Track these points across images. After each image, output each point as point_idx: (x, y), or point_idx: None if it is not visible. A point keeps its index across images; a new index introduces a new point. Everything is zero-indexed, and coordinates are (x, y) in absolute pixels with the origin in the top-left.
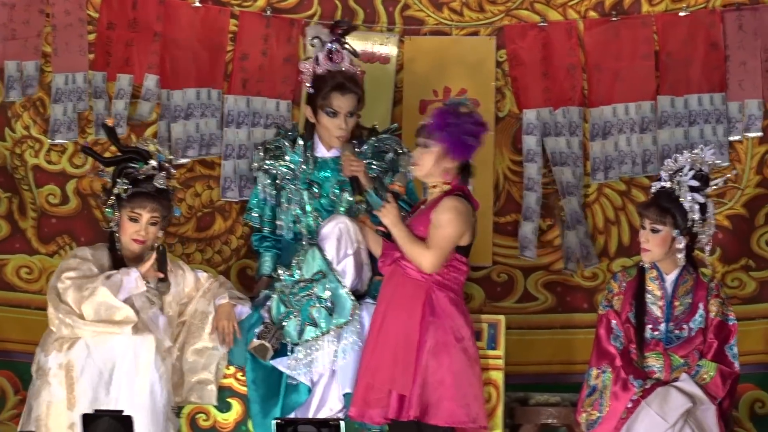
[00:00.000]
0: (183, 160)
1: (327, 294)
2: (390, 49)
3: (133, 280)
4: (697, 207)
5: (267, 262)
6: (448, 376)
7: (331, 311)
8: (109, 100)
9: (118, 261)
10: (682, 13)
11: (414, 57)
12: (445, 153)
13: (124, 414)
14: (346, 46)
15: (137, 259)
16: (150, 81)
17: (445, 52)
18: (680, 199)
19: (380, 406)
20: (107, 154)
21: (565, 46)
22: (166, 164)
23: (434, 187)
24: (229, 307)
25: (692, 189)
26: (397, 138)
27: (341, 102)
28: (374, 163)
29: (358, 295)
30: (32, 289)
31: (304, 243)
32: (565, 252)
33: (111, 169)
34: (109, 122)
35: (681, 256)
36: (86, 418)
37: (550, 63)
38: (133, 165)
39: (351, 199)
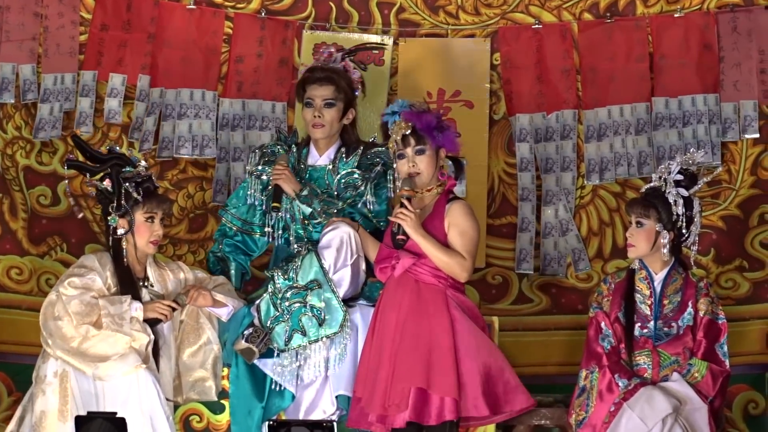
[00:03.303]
0: (165, 158)
1: (320, 304)
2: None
3: (135, 312)
4: (681, 201)
5: (234, 277)
6: (503, 365)
7: (321, 321)
8: (96, 99)
9: (124, 271)
10: (676, 15)
11: (408, 59)
12: (437, 151)
13: (117, 416)
14: (353, 59)
15: (143, 267)
16: (143, 81)
17: (439, 54)
18: (665, 194)
19: (403, 410)
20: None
21: (560, 48)
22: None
23: (429, 190)
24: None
25: (677, 184)
26: (387, 151)
27: (316, 91)
28: (358, 173)
29: (351, 298)
30: (23, 290)
31: (301, 248)
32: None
33: (97, 178)
34: (77, 132)
35: (665, 251)
36: (79, 420)
37: (544, 66)
38: (125, 169)
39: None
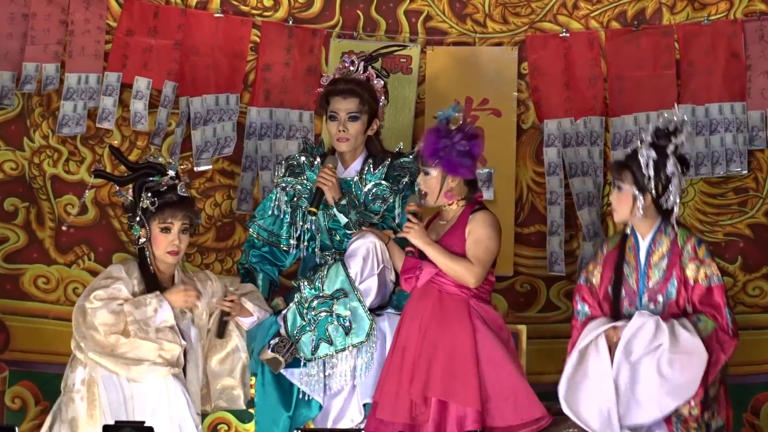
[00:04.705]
0: (204, 168)
1: (346, 313)
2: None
3: (164, 313)
4: (652, 163)
5: (261, 288)
6: (516, 382)
7: (348, 330)
8: (123, 107)
9: (151, 278)
10: (703, 23)
11: (436, 68)
12: (445, 175)
13: (145, 425)
14: (375, 65)
15: (170, 275)
16: (168, 88)
17: (467, 62)
18: (638, 156)
19: (425, 419)
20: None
21: (587, 56)
22: (182, 173)
23: (450, 204)
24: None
25: (651, 145)
26: (414, 161)
27: (340, 104)
28: (385, 184)
29: (379, 307)
30: (50, 299)
31: (328, 257)
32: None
33: (127, 188)
34: (115, 143)
35: (640, 214)
36: (107, 429)
37: (571, 73)
38: (151, 179)
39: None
